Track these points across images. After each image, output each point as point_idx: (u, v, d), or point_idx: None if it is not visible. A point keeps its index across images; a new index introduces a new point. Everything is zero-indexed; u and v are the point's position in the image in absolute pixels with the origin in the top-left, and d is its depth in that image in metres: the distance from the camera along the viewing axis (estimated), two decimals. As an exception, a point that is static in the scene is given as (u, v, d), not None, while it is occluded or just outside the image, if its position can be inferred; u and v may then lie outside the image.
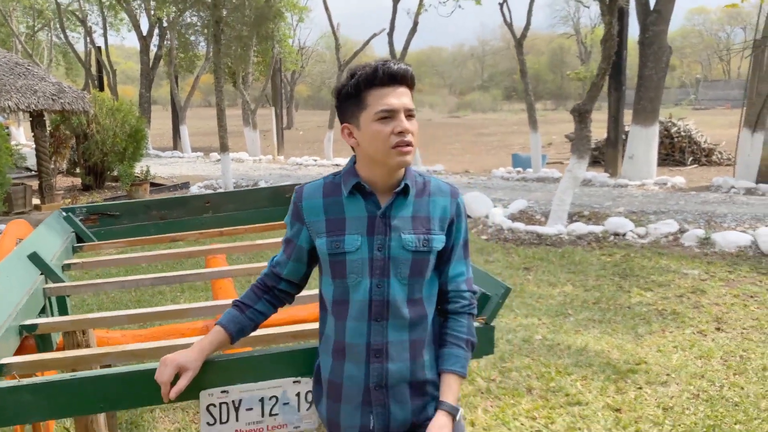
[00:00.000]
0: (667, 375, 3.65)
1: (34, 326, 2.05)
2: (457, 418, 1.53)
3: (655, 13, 11.19)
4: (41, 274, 2.43)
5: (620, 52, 11.66)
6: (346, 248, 1.48)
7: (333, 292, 1.53)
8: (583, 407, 3.28)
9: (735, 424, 3.08)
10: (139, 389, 1.57)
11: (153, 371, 1.52)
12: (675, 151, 14.70)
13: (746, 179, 10.64)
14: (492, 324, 1.86)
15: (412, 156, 1.48)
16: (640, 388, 3.50)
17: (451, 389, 1.54)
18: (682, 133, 14.71)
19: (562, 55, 55.19)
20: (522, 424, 3.13)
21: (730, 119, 21.52)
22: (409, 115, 1.47)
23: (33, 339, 2.20)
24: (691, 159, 14.54)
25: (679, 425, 3.08)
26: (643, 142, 11.63)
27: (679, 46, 50.82)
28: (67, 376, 1.55)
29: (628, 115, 12.30)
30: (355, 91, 1.47)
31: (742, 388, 3.46)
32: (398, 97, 1.45)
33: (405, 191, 1.51)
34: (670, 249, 6.71)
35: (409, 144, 1.45)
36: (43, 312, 2.39)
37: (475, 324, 1.83)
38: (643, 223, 7.72)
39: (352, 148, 1.54)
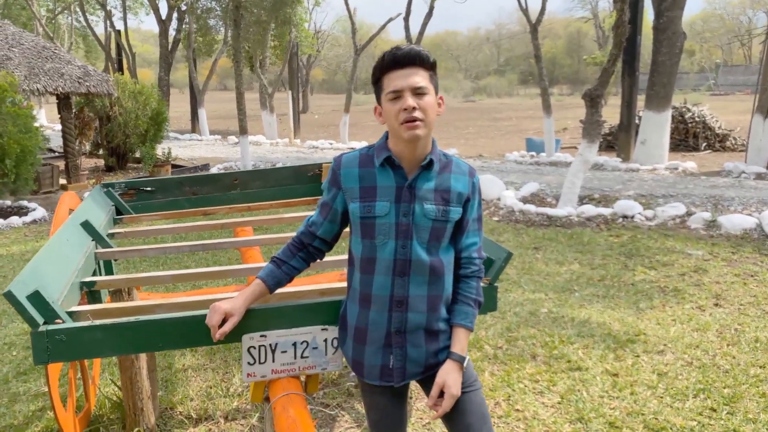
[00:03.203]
0: (664, 345, 3.89)
1: (92, 282, 2.34)
2: (465, 364, 1.78)
3: (670, -1, 11.23)
4: (92, 240, 2.72)
5: (634, 37, 11.75)
6: (376, 213, 1.71)
7: (362, 250, 1.76)
8: (583, 372, 3.53)
9: (724, 388, 3.31)
10: (191, 332, 1.85)
11: (203, 317, 1.79)
12: (689, 136, 14.75)
13: (757, 164, 10.73)
14: (495, 284, 2.12)
15: (423, 130, 1.65)
16: (638, 356, 3.74)
17: (459, 341, 1.78)
18: (696, 119, 14.73)
19: (579, 40, 54.65)
20: (525, 386, 3.39)
21: (747, 105, 21.39)
22: (419, 93, 1.64)
23: (85, 297, 2.49)
24: (704, 144, 14.58)
25: (672, 389, 3.31)
26: (655, 128, 11.73)
27: (699, 30, 50.11)
28: (132, 319, 1.83)
29: (641, 100, 12.38)
30: (375, 78, 1.74)
31: (734, 357, 3.69)
32: (405, 78, 1.65)
33: (430, 165, 1.73)
34: (676, 231, 6.89)
35: (415, 120, 1.64)
36: (94, 274, 2.68)
37: (481, 284, 2.10)
38: (651, 206, 7.90)
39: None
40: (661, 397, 3.23)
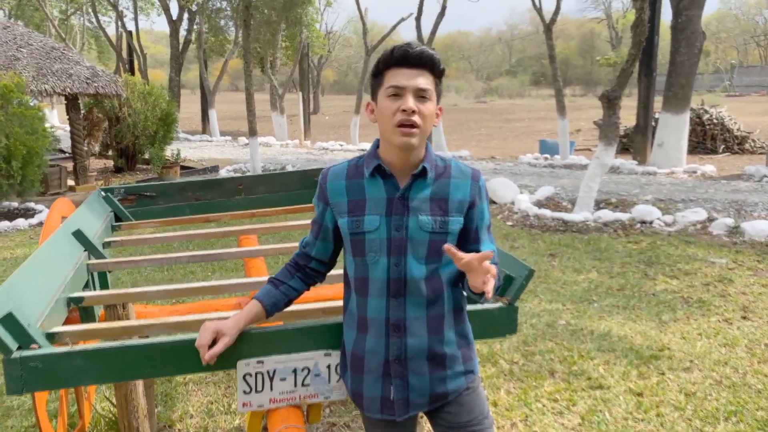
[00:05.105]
0: (691, 361, 3.67)
1: (80, 299, 2.17)
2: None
3: (689, -2, 10.97)
4: (85, 250, 2.56)
5: (652, 37, 11.48)
6: (365, 228, 1.55)
7: (354, 269, 1.60)
8: (605, 391, 3.33)
9: (757, 410, 3.10)
10: (180, 357, 1.67)
11: (193, 341, 1.62)
12: (706, 138, 14.43)
13: (779, 168, 10.44)
14: (515, 305, 1.92)
15: (418, 139, 1.49)
16: (663, 373, 3.53)
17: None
18: (714, 121, 14.42)
19: (592, 40, 54.25)
20: (544, 406, 3.19)
21: (764, 106, 21.04)
22: (422, 96, 1.49)
23: (77, 312, 2.33)
24: (723, 147, 14.26)
25: (701, 410, 3.11)
26: (673, 130, 11.46)
27: (714, 30, 49.50)
28: (115, 343, 1.66)
29: (658, 101, 12.11)
30: (377, 71, 1.56)
31: (766, 376, 3.47)
32: (410, 78, 1.49)
33: (423, 173, 1.55)
34: (697, 237, 6.65)
35: (413, 125, 1.47)
36: (86, 287, 2.52)
37: (499, 304, 1.91)
38: (670, 211, 7.65)
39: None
40: (690, 420, 3.02)
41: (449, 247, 1.40)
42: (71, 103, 10.59)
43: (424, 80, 1.50)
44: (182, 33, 22.60)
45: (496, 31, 66.15)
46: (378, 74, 1.55)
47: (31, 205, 9.01)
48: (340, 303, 2.06)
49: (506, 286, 1.92)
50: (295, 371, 1.77)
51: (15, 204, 9.04)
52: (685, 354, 3.77)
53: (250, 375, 1.75)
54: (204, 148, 17.98)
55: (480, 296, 1.56)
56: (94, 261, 2.57)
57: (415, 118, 1.47)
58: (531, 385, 3.42)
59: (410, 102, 1.47)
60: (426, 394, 1.61)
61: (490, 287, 1.36)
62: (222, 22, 22.62)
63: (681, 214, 7.31)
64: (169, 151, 12.87)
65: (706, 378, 3.46)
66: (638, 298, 4.80)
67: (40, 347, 1.62)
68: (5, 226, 7.89)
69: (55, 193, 10.20)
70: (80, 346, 1.65)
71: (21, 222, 8.02)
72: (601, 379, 3.45)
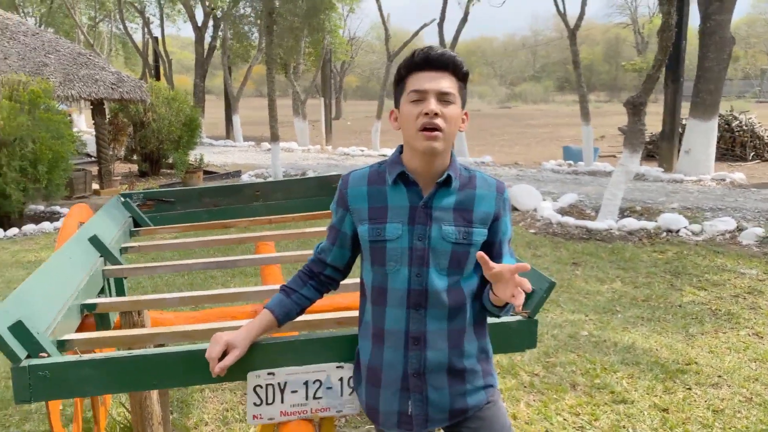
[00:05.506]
0: (719, 377, 3.55)
1: (93, 305, 2.16)
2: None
3: (718, 2, 10.75)
4: (101, 256, 2.55)
5: (679, 42, 11.27)
6: (386, 236, 1.50)
7: (372, 278, 1.55)
8: (629, 406, 3.23)
9: (789, 429, 2.98)
10: (190, 368, 1.64)
11: (203, 351, 1.58)
12: (735, 145, 14.12)
13: (812, 176, 10.15)
14: (535, 318, 1.86)
15: (442, 143, 1.45)
16: (690, 388, 3.42)
17: None
18: (744, 127, 14.10)
19: (617, 46, 53.59)
20: (565, 420, 3.11)
21: (797, 113, 20.49)
22: (445, 100, 1.45)
23: (93, 318, 2.32)
24: (752, 154, 13.94)
25: (730, 429, 2.99)
26: (701, 136, 11.22)
27: (744, 35, 48.53)
28: (124, 353, 1.63)
29: (685, 108, 11.88)
30: (399, 77, 1.52)
31: (799, 393, 3.34)
32: (432, 81, 1.45)
33: (447, 182, 1.50)
34: (726, 247, 6.47)
35: (436, 128, 1.43)
36: (102, 293, 2.51)
37: (518, 318, 1.84)
38: (698, 220, 7.47)
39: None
40: (718, 439, 2.91)
41: (482, 254, 1.37)
42: (97, 108, 10.74)
43: (446, 83, 1.45)
44: (207, 39, 22.85)
45: (520, 36, 65.83)
46: (400, 80, 1.52)
47: (57, 208, 9.15)
48: (355, 313, 2.02)
49: (526, 298, 1.85)
50: (306, 383, 1.73)
51: (41, 207, 9.19)
52: (714, 369, 3.65)
53: (261, 387, 1.71)
54: (227, 153, 18.12)
55: (500, 310, 1.53)
56: (109, 267, 2.56)
57: (438, 122, 1.43)
58: (552, 398, 3.33)
59: (432, 104, 1.43)
60: (446, 410, 1.56)
61: (520, 301, 1.33)
62: (246, 29, 22.82)
63: (709, 223, 7.13)
64: (193, 156, 12.98)
65: (735, 394, 3.34)
66: (664, 310, 4.67)
67: (49, 356, 1.60)
68: (31, 229, 8.01)
69: (80, 196, 10.35)
70: (89, 356, 1.62)
71: (47, 225, 8.14)
72: (624, 394, 3.35)
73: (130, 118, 12.45)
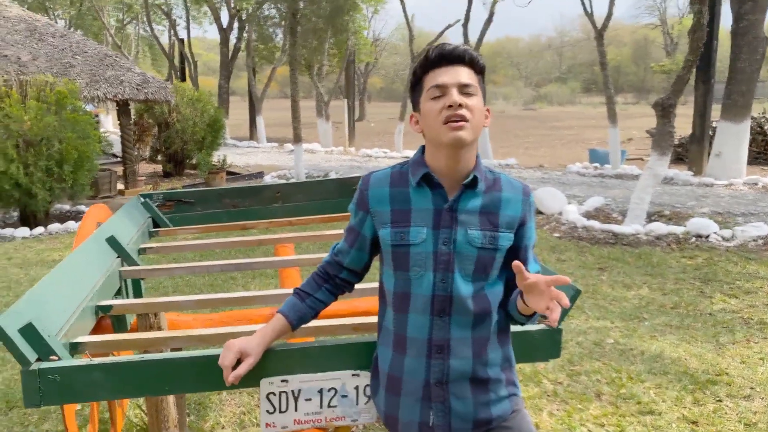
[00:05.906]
0: (751, 388, 3.42)
1: (108, 307, 2.13)
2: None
3: (751, 1, 10.48)
4: (118, 257, 2.53)
5: (710, 42, 11.01)
6: (410, 240, 1.45)
7: (394, 284, 1.50)
8: (656, 417, 3.12)
9: (827, 446, 2.84)
10: (203, 374, 1.60)
11: (216, 357, 1.54)
12: (768, 149, 13.76)
13: None
14: (560, 327, 1.78)
15: (469, 133, 1.40)
16: (720, 400, 3.29)
17: None
18: (777, 130, 13.74)
19: (646, 47, 52.83)
20: (589, 430, 3.01)
21: (832, 115, 19.93)
22: (466, 92, 1.41)
23: (109, 320, 2.30)
24: (786, 158, 13.57)
25: (763, 443, 2.87)
26: (732, 139, 10.94)
27: (777, 36, 47.45)
28: (135, 357, 1.60)
29: (716, 110, 11.61)
30: (415, 79, 1.49)
31: (837, 408, 3.19)
32: (451, 74, 1.41)
33: (473, 184, 1.45)
34: (759, 254, 6.27)
35: (461, 118, 1.38)
36: (118, 294, 2.49)
37: (542, 326, 1.77)
38: (729, 225, 7.27)
39: (424, 137, 1.51)
40: (751, 454, 2.79)
41: (518, 264, 1.31)
42: (122, 108, 10.87)
43: (465, 75, 1.42)
44: (233, 41, 23.03)
45: (546, 37, 65.22)
46: (417, 82, 1.48)
47: (82, 207, 9.26)
48: (372, 319, 1.96)
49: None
50: (321, 391, 1.68)
51: (66, 207, 9.31)
52: (746, 380, 3.51)
53: (274, 394, 1.66)
54: (250, 154, 18.22)
55: (527, 318, 1.48)
56: (126, 268, 2.54)
57: (463, 112, 1.38)
58: (576, 407, 3.23)
59: (455, 96, 1.38)
60: (470, 420, 1.50)
61: (556, 315, 1.27)
62: (270, 30, 22.95)
63: (741, 228, 6.93)
64: (216, 157, 13.07)
65: (769, 407, 3.21)
66: (693, 318, 4.53)
67: (59, 359, 1.58)
68: (57, 228, 8.11)
69: (105, 196, 10.47)
70: (99, 360, 1.59)
71: (72, 224, 8.24)
72: (652, 404, 3.24)
73: (155, 118, 12.59)
